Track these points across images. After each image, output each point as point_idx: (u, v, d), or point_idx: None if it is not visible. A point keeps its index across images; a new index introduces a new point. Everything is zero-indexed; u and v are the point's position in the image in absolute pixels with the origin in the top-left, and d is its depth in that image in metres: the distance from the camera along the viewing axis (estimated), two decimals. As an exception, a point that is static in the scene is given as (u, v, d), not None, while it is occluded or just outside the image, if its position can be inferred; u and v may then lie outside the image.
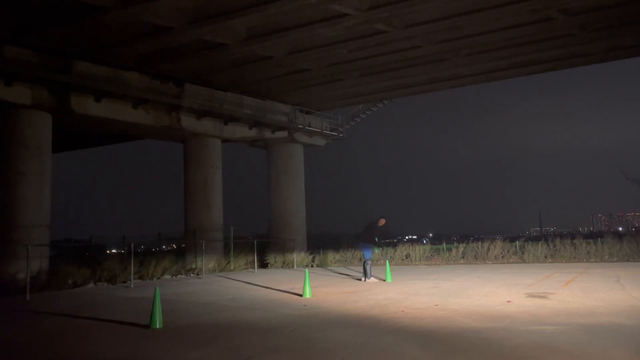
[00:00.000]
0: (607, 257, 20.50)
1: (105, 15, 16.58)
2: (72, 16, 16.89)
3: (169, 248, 31.83)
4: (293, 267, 23.93)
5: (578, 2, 17.50)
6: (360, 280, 15.86)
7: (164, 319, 8.86)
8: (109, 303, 12.90)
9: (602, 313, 8.64)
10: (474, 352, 6.31)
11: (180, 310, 10.86)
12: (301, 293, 12.34)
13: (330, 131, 30.01)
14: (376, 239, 15.65)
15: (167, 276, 20.27)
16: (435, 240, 29.58)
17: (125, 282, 17.94)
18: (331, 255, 24.76)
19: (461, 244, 23.94)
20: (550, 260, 20.93)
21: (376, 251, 15.95)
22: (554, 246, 21.66)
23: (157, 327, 8.63)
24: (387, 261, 17.23)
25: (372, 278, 15.42)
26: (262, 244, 25.41)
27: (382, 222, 15.83)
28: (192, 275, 21.14)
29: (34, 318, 10.78)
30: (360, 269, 17.85)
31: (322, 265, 24.15)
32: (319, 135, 29.61)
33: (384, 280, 15.28)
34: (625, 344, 6.52)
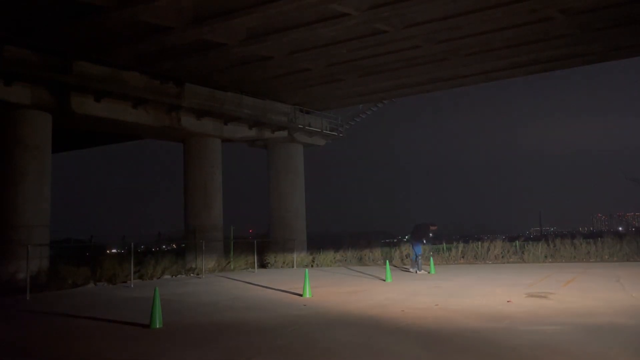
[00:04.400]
0: (607, 257, 20.49)
1: (105, 15, 16.59)
2: (72, 16, 16.90)
3: (169, 248, 31.84)
4: (293, 267, 23.92)
5: (578, 2, 17.50)
6: (411, 272, 17.87)
7: (164, 319, 8.86)
8: (109, 303, 12.90)
9: (602, 313, 8.64)
10: (474, 352, 6.31)
11: (180, 310, 10.86)
12: (301, 293, 12.34)
13: (330, 131, 30.00)
14: (424, 240, 18.15)
15: (167, 276, 20.27)
16: (436, 240, 29.56)
17: (125, 282, 17.93)
18: (331, 255, 24.74)
19: (461, 244, 23.92)
20: (550, 260, 20.91)
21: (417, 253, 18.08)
22: (554, 246, 21.64)
23: (157, 327, 8.63)
24: (387, 261, 17.38)
25: (422, 271, 17.52)
26: (262, 244, 25.41)
27: (434, 227, 18.57)
28: (192, 275, 21.14)
29: (34, 318, 10.78)
30: (361, 268, 18.01)
31: (322, 265, 24.14)
32: (319, 135, 29.60)
33: (384, 280, 15.29)
34: (625, 344, 6.52)
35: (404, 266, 20.80)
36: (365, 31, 18.98)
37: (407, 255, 23.86)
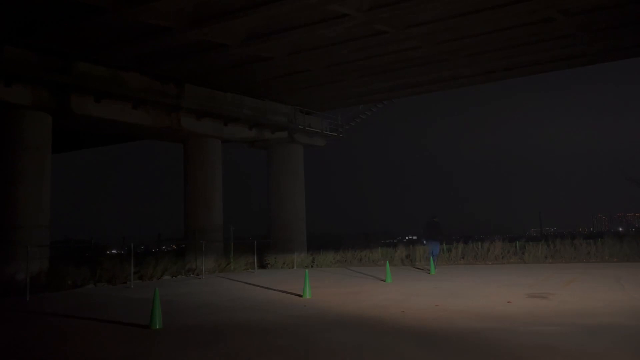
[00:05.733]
0: (607, 257, 20.48)
1: (105, 16, 16.58)
2: (72, 16, 16.89)
3: (168, 248, 31.85)
4: (293, 267, 23.91)
5: (578, 2, 17.50)
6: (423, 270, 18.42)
7: (164, 319, 8.86)
8: (108, 303, 12.90)
9: (602, 313, 8.64)
10: (474, 352, 6.31)
11: (180, 310, 10.86)
12: (301, 293, 12.34)
13: (330, 131, 29.98)
14: (440, 238, 19.10)
15: (166, 277, 20.26)
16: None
17: (125, 282, 17.93)
18: (331, 256, 24.72)
19: (461, 244, 23.91)
20: (550, 261, 20.90)
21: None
22: (554, 246, 21.62)
23: (157, 327, 8.63)
24: (388, 262, 17.34)
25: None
26: (262, 245, 25.39)
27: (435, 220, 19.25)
28: (192, 275, 21.13)
29: (34, 319, 10.78)
30: (361, 269, 18.06)
31: (322, 265, 24.13)
32: (319, 135, 29.60)
33: (384, 281, 15.28)
34: (625, 344, 6.51)
35: (415, 267, 20.81)
36: (366, 32, 18.97)
37: (408, 256, 23.91)
